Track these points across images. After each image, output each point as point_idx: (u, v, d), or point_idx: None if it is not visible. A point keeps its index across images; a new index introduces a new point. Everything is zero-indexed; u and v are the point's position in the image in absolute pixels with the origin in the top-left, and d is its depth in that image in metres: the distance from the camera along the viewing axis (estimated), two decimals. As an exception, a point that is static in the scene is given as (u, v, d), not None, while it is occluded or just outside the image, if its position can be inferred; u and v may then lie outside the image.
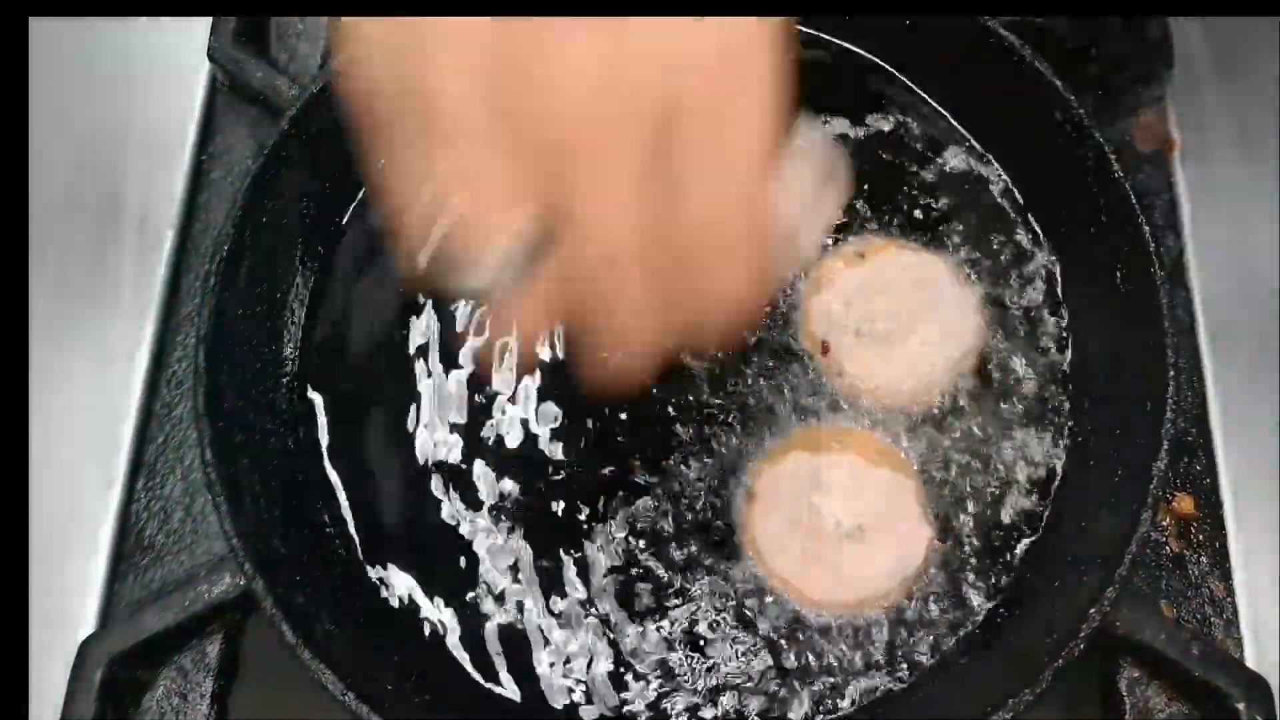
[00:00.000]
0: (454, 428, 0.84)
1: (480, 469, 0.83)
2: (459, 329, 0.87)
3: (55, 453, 0.88)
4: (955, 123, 0.94)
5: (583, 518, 0.81)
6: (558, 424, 0.84)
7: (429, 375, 0.86)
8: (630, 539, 0.80)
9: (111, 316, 0.92)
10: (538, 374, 0.84)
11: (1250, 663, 0.80)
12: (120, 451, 0.87)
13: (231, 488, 0.75)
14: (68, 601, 0.83)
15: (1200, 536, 0.85)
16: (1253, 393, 0.89)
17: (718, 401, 0.84)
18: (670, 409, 0.84)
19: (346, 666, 0.70)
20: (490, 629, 0.79)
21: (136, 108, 1.00)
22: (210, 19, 0.92)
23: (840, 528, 0.78)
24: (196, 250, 0.93)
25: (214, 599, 0.75)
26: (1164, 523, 0.84)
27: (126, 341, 0.91)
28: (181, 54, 0.99)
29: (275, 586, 0.72)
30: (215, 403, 0.77)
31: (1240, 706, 0.72)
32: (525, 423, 0.84)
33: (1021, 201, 0.91)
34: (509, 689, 0.77)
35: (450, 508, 0.82)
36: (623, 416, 0.83)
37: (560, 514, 0.82)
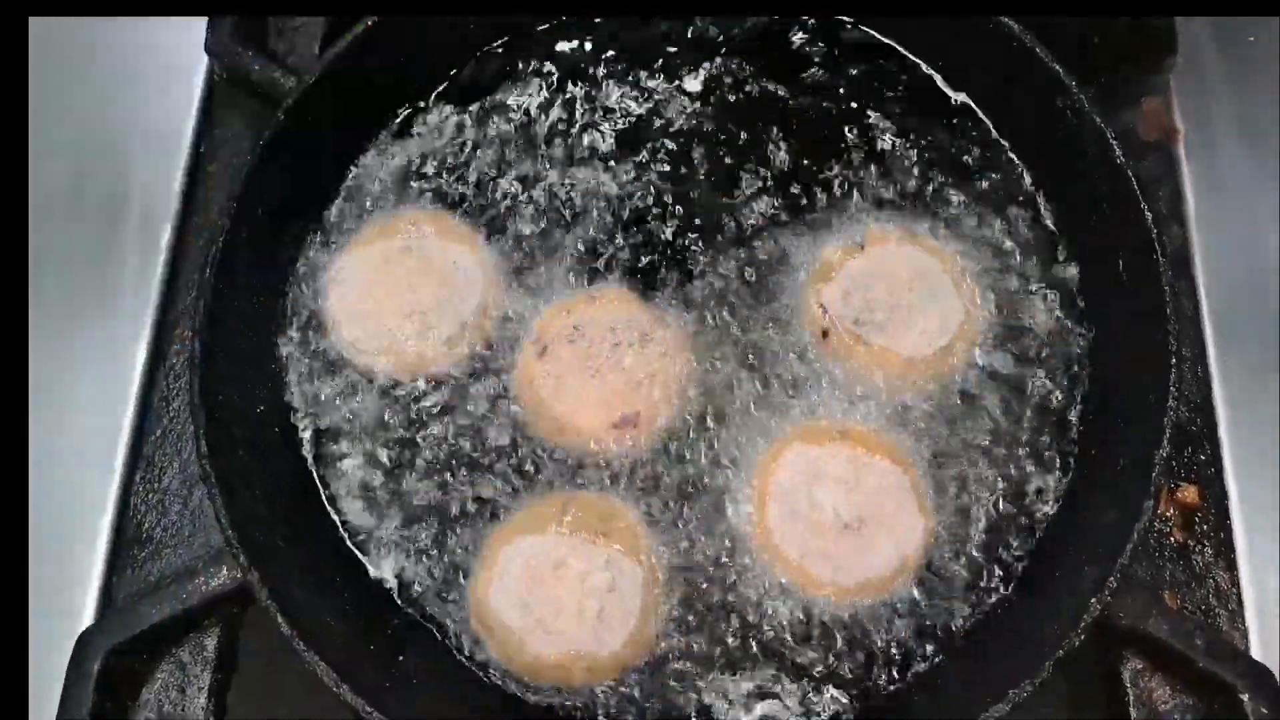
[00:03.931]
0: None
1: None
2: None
3: (55, 445, 0.88)
4: (960, 110, 0.93)
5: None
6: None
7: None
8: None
9: (112, 309, 0.92)
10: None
11: (1256, 654, 0.80)
12: (119, 444, 0.88)
13: (227, 480, 0.74)
14: (67, 593, 0.83)
15: (1205, 527, 0.84)
16: (1258, 382, 0.89)
17: (719, 388, 0.84)
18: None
19: (342, 658, 0.70)
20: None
21: (137, 102, 1.01)
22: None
23: (839, 518, 0.78)
24: (195, 242, 0.94)
25: (211, 592, 0.75)
26: (1168, 513, 0.84)
27: (126, 334, 0.91)
28: (181, 48, 0.99)
29: (271, 579, 0.72)
30: (211, 395, 0.77)
31: (1245, 698, 0.71)
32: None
33: (1025, 190, 0.90)
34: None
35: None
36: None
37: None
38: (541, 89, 0.95)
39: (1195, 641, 0.73)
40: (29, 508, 0.85)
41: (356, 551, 0.81)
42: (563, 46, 0.96)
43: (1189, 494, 0.84)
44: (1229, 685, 0.72)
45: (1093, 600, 0.70)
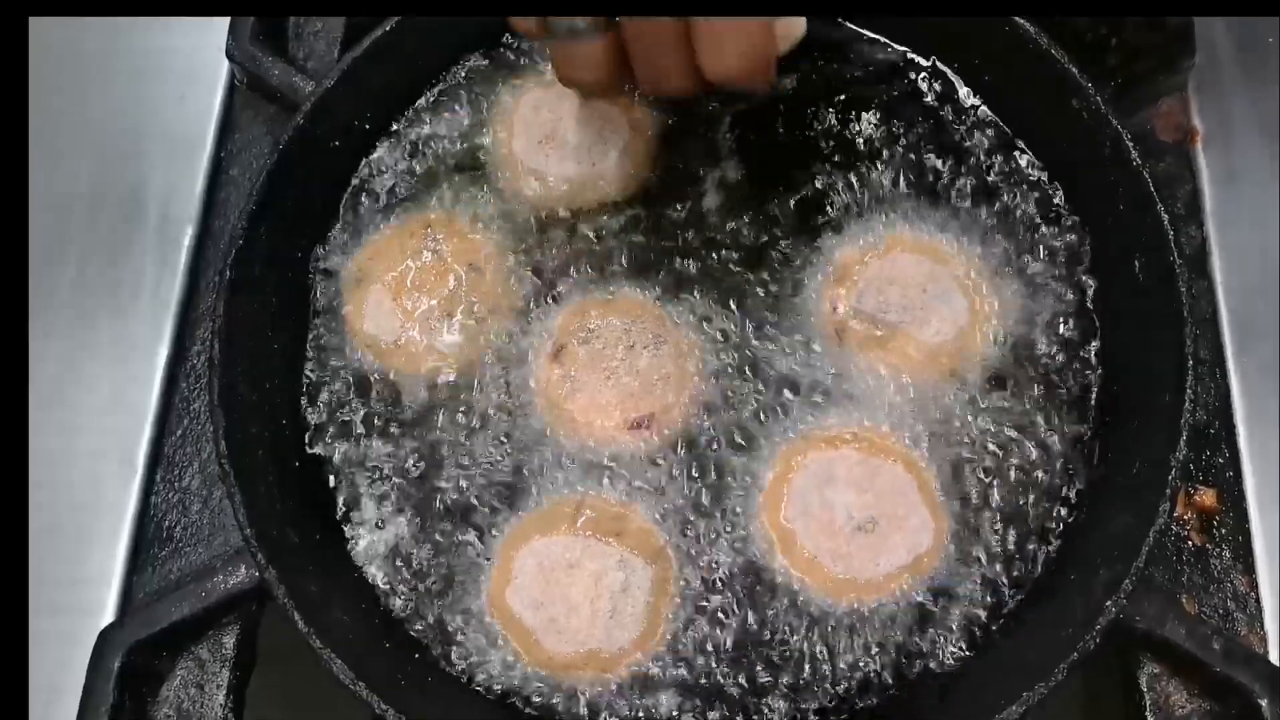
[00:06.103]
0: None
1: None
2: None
3: (78, 445, 0.90)
4: (977, 111, 0.93)
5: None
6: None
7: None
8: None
9: (133, 311, 0.94)
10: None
11: (1275, 659, 0.79)
12: (140, 444, 0.89)
13: (246, 480, 0.75)
14: (88, 591, 0.84)
15: (1223, 530, 0.83)
16: (1278, 385, 0.88)
17: (733, 389, 0.84)
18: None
19: (357, 656, 0.71)
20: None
21: (157, 106, 1.02)
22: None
23: (852, 520, 0.78)
24: (216, 246, 0.95)
25: (230, 590, 0.76)
26: (1185, 516, 0.83)
27: (147, 336, 0.92)
28: (201, 53, 1.01)
29: (287, 576, 0.73)
30: (230, 395, 0.77)
31: (1263, 703, 0.71)
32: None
33: (1040, 192, 0.90)
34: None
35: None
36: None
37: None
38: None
39: (1213, 646, 0.72)
40: (51, 507, 0.87)
41: (367, 551, 0.82)
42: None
43: (1207, 497, 0.83)
44: (1247, 690, 0.71)
45: (1108, 603, 0.70)
